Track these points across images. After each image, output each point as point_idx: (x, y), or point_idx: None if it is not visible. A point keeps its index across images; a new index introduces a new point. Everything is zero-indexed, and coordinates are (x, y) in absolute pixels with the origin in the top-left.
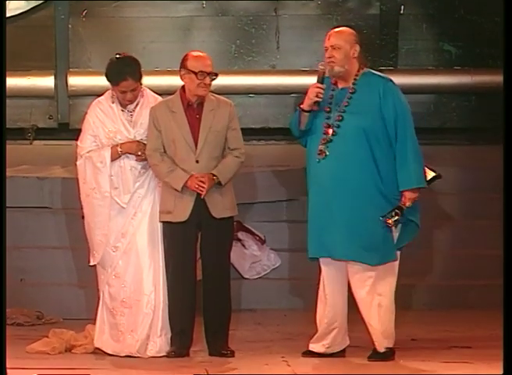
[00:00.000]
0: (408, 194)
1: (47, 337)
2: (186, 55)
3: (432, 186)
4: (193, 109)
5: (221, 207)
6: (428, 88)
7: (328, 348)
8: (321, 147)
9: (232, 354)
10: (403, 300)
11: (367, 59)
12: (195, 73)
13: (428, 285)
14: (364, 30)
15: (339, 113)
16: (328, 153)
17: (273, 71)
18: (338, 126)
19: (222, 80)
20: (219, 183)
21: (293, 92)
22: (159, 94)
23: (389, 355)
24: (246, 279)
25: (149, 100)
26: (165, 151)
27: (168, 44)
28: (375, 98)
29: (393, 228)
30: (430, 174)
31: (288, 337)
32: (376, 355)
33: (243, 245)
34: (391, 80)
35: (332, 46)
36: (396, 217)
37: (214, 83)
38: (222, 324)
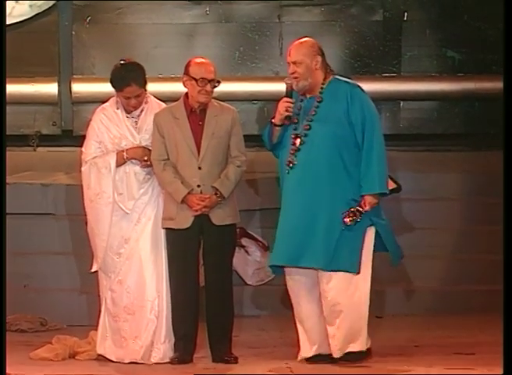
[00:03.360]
0: (368, 199)
1: (50, 343)
2: (189, 62)
3: (436, 191)
4: (196, 116)
5: (222, 214)
6: (432, 95)
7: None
8: (290, 157)
9: (235, 360)
10: (405, 306)
11: (369, 66)
12: (196, 80)
13: (430, 291)
14: (367, 37)
15: (306, 123)
16: (296, 162)
17: (276, 77)
18: (305, 135)
19: (225, 87)
20: (222, 197)
21: None
22: (163, 101)
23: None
24: (249, 285)
25: (153, 106)
26: (168, 158)
27: (171, 51)
28: (343, 104)
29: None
30: (391, 185)
31: (291, 343)
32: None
33: (247, 252)
34: (358, 86)
35: (293, 62)
36: (354, 217)
37: (217, 89)
38: (225, 330)
